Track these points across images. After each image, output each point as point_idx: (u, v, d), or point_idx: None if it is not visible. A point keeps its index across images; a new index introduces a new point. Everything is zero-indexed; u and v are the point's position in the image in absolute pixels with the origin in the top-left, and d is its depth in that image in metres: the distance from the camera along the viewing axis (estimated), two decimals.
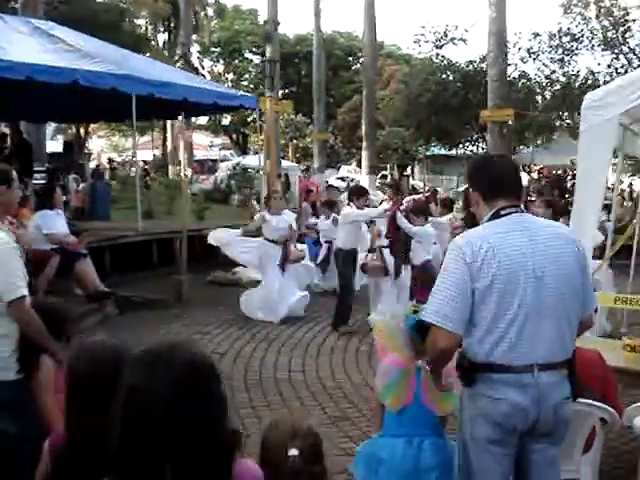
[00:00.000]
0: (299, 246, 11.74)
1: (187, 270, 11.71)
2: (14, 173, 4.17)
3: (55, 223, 9.43)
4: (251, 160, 34.38)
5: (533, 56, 29.19)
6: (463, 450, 3.30)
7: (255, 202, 24.21)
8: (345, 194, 18.65)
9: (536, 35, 28.95)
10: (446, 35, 30.02)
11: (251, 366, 7.88)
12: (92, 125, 36.53)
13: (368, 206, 9.82)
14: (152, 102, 12.17)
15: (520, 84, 28.91)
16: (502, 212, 3.24)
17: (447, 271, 3.15)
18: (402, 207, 9.61)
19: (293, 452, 2.52)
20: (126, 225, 13.96)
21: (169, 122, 34.61)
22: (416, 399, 3.86)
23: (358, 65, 48.46)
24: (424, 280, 9.04)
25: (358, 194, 9.74)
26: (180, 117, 14.67)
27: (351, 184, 41.00)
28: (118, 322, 9.58)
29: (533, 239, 3.16)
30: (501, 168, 3.38)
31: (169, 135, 39.03)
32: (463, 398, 3.32)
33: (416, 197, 10.66)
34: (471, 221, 6.19)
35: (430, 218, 9.80)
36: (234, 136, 48.99)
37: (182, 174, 15.67)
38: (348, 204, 9.87)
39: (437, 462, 3.71)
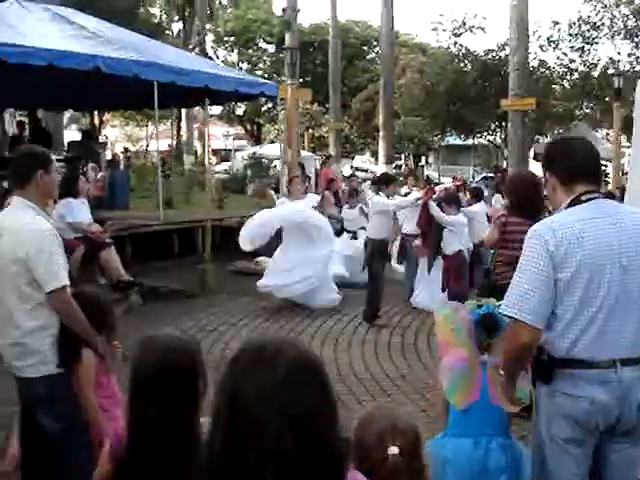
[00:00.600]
0: None
1: (210, 260, 11.54)
2: (52, 155, 3.97)
3: (79, 212, 9.27)
4: (267, 149, 34.23)
5: (553, 45, 28.89)
6: (539, 451, 3.10)
7: (273, 192, 24.08)
8: (365, 184, 18.48)
9: (556, 23, 28.69)
10: (464, 23, 29.74)
11: None
12: (106, 115, 36.46)
13: (396, 194, 9.60)
14: (173, 90, 11.99)
15: (539, 73, 28.56)
16: (583, 198, 3.04)
17: (527, 261, 2.95)
18: (434, 196, 9.36)
19: (393, 450, 2.31)
20: (146, 214, 13.78)
21: (183, 111, 34.39)
22: (483, 396, 3.67)
23: (373, 54, 48.16)
24: (457, 270, 8.86)
25: (386, 182, 9.53)
26: (204, 105, 14.39)
27: (366, 174, 41.12)
28: (143, 312, 9.39)
29: (618, 226, 2.96)
30: (583, 152, 3.16)
31: (183, 124, 38.89)
32: (539, 395, 3.12)
33: (447, 186, 10.42)
34: (518, 206, 5.96)
35: (462, 208, 9.56)
36: (248, 126, 48.78)
37: (206, 162, 15.36)
38: (377, 193, 9.64)
39: (506, 464, 3.53)
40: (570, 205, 3.05)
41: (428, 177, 40.92)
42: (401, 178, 33.70)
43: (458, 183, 11.41)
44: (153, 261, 12.11)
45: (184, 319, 9.15)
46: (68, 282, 3.70)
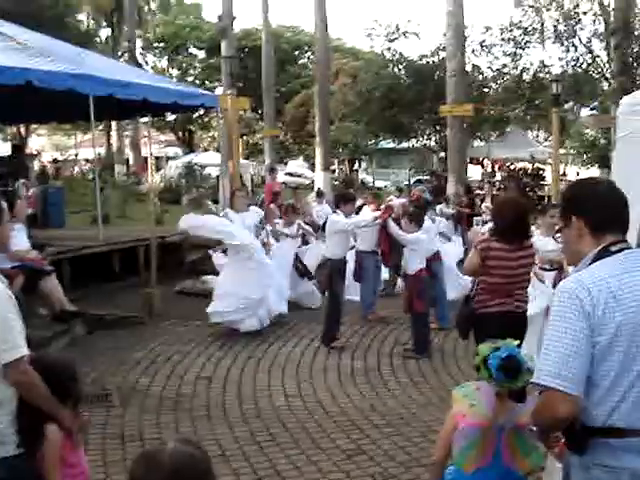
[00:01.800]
0: None
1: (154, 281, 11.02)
2: (3, 204, 3.47)
3: (17, 239, 8.58)
4: (203, 158, 33.64)
5: (486, 49, 29.06)
6: None
7: (210, 202, 23.53)
8: (310, 196, 18.12)
9: (488, 28, 28.82)
10: (398, 29, 29.63)
11: (244, 393, 7.25)
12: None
13: (356, 212, 9.28)
14: (109, 102, 11.46)
15: (473, 77, 28.68)
16: (612, 248, 2.73)
17: (562, 323, 2.61)
18: (393, 214, 9.04)
19: None
20: (84, 233, 13.19)
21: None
22: (496, 459, 3.35)
23: (305, 59, 47.94)
24: (419, 290, 8.56)
25: (345, 201, 9.19)
26: (145, 119, 13.87)
27: (298, 180, 40.83)
28: (89, 344, 8.84)
29: None
30: (615, 197, 2.85)
31: (113, 133, 37.94)
32: (570, 467, 2.79)
33: (402, 201, 10.12)
34: (503, 232, 5.67)
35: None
36: (180, 133, 47.97)
37: (149, 178, 14.80)
38: (334, 211, 9.30)
39: None
40: (598, 256, 2.74)
41: (362, 181, 41.01)
42: (336, 182, 33.73)
43: (413, 197, 11.10)
44: (94, 284, 11.51)
45: (134, 350, 8.63)
46: (27, 352, 3.21)
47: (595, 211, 2.81)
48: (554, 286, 7.68)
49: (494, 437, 3.38)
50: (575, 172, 44.99)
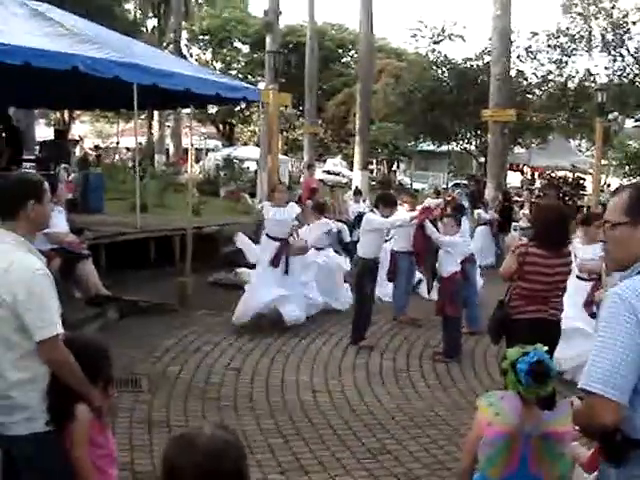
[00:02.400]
0: None
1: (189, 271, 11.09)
2: (46, 184, 3.51)
3: (56, 221, 8.68)
4: (242, 151, 33.77)
5: (531, 55, 28.83)
6: None
7: (248, 196, 23.65)
8: (347, 195, 18.13)
9: (534, 34, 28.60)
10: (444, 31, 29.55)
11: (272, 386, 7.27)
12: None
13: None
14: (153, 91, 11.53)
15: (517, 83, 28.47)
16: None
17: (614, 329, 2.54)
18: (431, 215, 8.98)
19: None
20: (122, 220, 13.28)
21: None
22: (522, 467, 3.31)
23: (348, 58, 47.90)
24: (453, 293, 8.51)
25: (385, 203, 9.15)
26: (187, 110, 13.95)
27: (336, 178, 40.82)
28: (121, 329, 8.92)
29: None
30: None
31: (155, 123, 38.23)
32: (606, 479, 2.73)
33: (437, 202, 10.03)
34: (542, 238, 5.63)
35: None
36: (220, 126, 48.20)
37: (189, 169, 14.90)
38: (372, 210, 9.27)
39: None
40: None
41: (400, 183, 40.89)
42: (373, 182, 33.68)
43: (449, 198, 11.02)
44: (129, 271, 11.59)
45: (165, 337, 8.68)
46: (61, 330, 3.25)
47: None
48: (590, 296, 7.61)
49: (520, 445, 3.34)
50: (617, 184, 44.49)
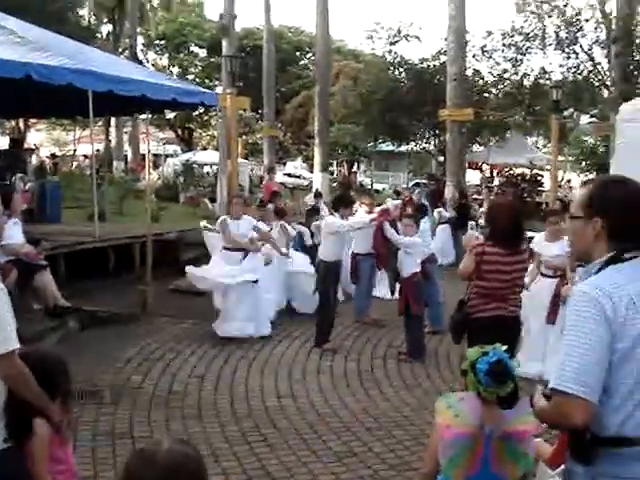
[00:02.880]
0: None
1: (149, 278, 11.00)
2: None
3: (11, 233, 8.54)
4: (201, 156, 33.57)
5: (487, 55, 29.06)
6: None
7: (208, 201, 23.52)
8: (309, 195, 18.11)
9: (489, 34, 28.82)
10: (400, 32, 29.67)
11: (236, 392, 7.23)
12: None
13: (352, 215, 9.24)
14: (109, 98, 11.42)
15: (473, 82, 28.70)
16: (626, 255, 2.65)
17: (582, 328, 2.54)
18: (390, 216, 9.02)
19: None
20: (80, 229, 13.12)
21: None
22: (484, 468, 3.31)
23: (306, 60, 47.92)
24: (415, 293, 8.55)
25: (345, 204, 9.17)
26: (144, 116, 13.83)
27: (297, 180, 40.80)
28: (82, 340, 8.81)
29: None
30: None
31: (112, 129, 37.86)
32: (574, 477, 2.73)
33: (395, 203, 10.10)
34: (497, 236, 5.69)
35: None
36: (179, 131, 47.90)
37: (147, 177, 14.77)
38: (331, 213, 9.28)
39: None
40: (610, 262, 2.66)
41: (361, 184, 41.03)
42: (334, 184, 33.74)
43: (406, 199, 11.08)
44: (89, 280, 11.46)
45: (127, 347, 8.59)
46: (17, 345, 3.19)
47: (618, 216, 2.68)
48: (555, 294, 7.70)
49: (482, 445, 3.33)
50: (576, 179, 45.10)
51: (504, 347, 3.49)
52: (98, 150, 34.99)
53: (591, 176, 35.10)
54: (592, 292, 2.57)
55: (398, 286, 9.10)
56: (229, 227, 9.65)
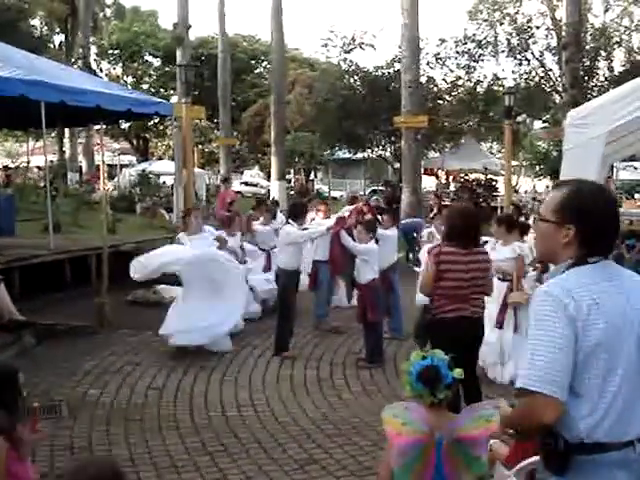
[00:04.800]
0: None
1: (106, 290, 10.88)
2: None
3: None
4: (157, 166, 33.36)
5: (440, 62, 29.39)
6: None
7: (165, 211, 23.39)
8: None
9: (443, 41, 29.17)
10: (354, 40, 29.78)
11: (196, 403, 7.20)
12: None
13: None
14: (61, 109, 11.31)
15: (427, 89, 28.97)
16: (590, 260, 2.68)
17: (547, 327, 2.55)
18: (346, 224, 9.06)
19: None
20: (35, 242, 12.97)
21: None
22: (437, 474, 3.36)
23: (261, 69, 47.95)
24: (372, 300, 8.60)
25: (299, 212, 9.20)
26: (98, 126, 13.71)
27: (254, 189, 40.74)
28: (38, 354, 8.69)
29: (626, 291, 2.66)
30: (612, 212, 2.78)
31: (66, 140, 37.40)
32: None
33: (350, 208, 10.13)
34: (453, 236, 5.80)
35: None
36: (134, 141, 47.52)
37: (101, 185, 14.61)
38: (287, 222, 9.29)
39: None
40: (574, 264, 2.70)
41: (318, 191, 41.12)
42: (292, 192, 33.75)
43: (362, 206, 11.07)
44: (44, 294, 11.33)
45: (84, 360, 8.51)
46: None
47: (592, 226, 2.70)
48: (505, 297, 7.81)
49: (433, 451, 3.37)
50: (529, 183, 45.70)
51: (443, 354, 3.54)
52: (52, 162, 34.57)
53: (545, 180, 35.63)
54: (554, 291, 2.60)
55: (355, 293, 9.17)
56: (187, 245, 9.40)
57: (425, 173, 30.99)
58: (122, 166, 41.61)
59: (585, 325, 2.54)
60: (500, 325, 7.80)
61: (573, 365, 2.54)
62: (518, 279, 7.81)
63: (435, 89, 29.53)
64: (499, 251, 8.09)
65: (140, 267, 9.21)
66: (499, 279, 8.05)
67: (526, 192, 39.45)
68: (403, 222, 16.91)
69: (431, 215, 17.26)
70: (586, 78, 26.14)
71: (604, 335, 2.55)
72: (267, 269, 11.31)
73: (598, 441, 2.55)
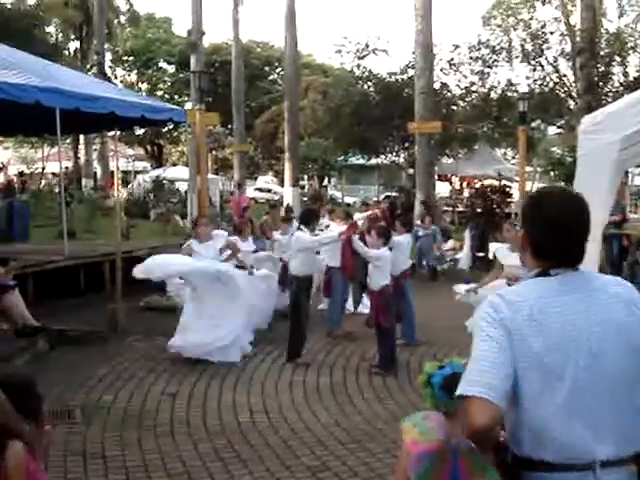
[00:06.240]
0: None
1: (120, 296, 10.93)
2: None
3: None
4: (172, 172, 33.45)
5: (454, 68, 29.33)
6: None
7: (179, 217, 23.46)
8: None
9: (456, 47, 29.11)
10: (367, 46, 29.84)
11: (209, 409, 7.21)
12: None
13: (321, 230, 9.27)
14: (76, 116, 11.39)
15: (441, 95, 28.94)
16: (552, 272, 2.59)
17: (483, 336, 2.50)
18: (357, 230, 9.07)
19: None
20: (49, 248, 13.04)
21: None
22: None
23: (275, 75, 48.06)
24: (385, 306, 8.58)
25: (310, 218, 9.21)
26: (111, 133, 13.79)
27: (268, 195, 40.78)
28: (52, 360, 8.74)
29: (589, 305, 2.53)
30: (568, 220, 2.58)
31: (81, 147, 37.64)
32: None
33: (366, 214, 10.14)
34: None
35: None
36: (148, 147, 47.72)
37: (115, 192, 14.68)
38: (299, 228, 9.29)
39: None
40: (537, 276, 2.62)
41: (332, 197, 41.10)
42: (305, 198, 33.77)
43: (377, 211, 11.11)
44: (58, 299, 11.38)
45: (98, 366, 8.53)
46: None
47: (538, 234, 2.63)
48: None
49: (449, 459, 3.35)
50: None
51: (463, 361, 3.52)
52: (67, 168, 34.78)
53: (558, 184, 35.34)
54: (495, 301, 2.55)
55: (366, 299, 9.15)
56: (197, 252, 9.40)
57: (439, 179, 30.97)
58: (136, 172, 41.76)
59: (521, 339, 2.46)
60: None
61: (512, 373, 2.46)
62: None
63: (449, 95, 29.49)
64: (508, 257, 8.09)
65: (152, 267, 9.26)
66: (508, 284, 8.05)
67: None
68: (416, 228, 16.88)
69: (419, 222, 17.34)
70: (601, 83, 25.99)
71: (543, 353, 2.45)
72: (281, 282, 10.83)
73: (544, 459, 2.47)
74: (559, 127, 31.62)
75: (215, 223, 14.12)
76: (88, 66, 34.30)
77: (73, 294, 12.07)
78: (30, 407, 3.37)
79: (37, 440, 3.36)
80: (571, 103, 27.83)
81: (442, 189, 34.63)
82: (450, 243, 18.41)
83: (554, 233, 2.58)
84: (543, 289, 2.55)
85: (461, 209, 27.36)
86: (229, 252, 9.75)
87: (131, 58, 46.39)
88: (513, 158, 41.54)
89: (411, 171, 28.64)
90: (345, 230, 9.07)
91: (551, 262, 2.59)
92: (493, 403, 2.39)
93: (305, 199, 33.48)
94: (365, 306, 10.56)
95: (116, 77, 44.05)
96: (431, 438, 3.34)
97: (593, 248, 5.39)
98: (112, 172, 35.65)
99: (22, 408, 3.30)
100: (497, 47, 29.21)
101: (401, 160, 32.21)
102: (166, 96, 44.12)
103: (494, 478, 3.40)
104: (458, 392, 2.49)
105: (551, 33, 28.90)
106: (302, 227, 9.19)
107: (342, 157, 39.64)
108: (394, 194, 32.71)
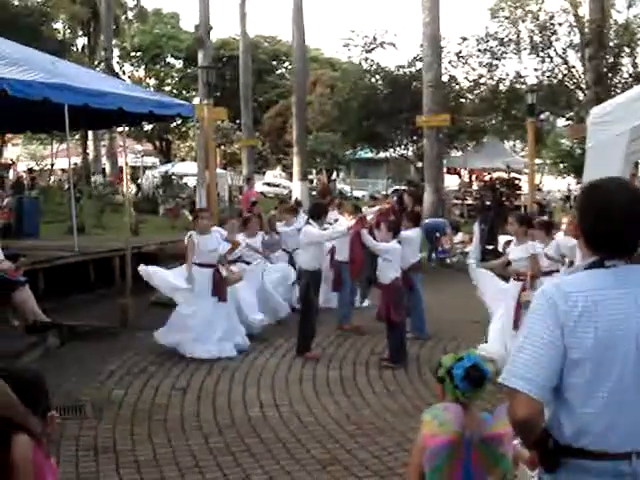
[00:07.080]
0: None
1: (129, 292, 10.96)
2: None
3: None
4: (180, 167, 33.49)
5: (462, 60, 29.24)
6: None
7: (188, 212, 23.47)
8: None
9: (464, 39, 29.02)
10: (375, 39, 29.76)
11: (219, 403, 7.22)
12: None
13: (330, 223, 9.27)
14: (85, 111, 11.40)
15: (449, 88, 28.86)
16: (607, 263, 2.59)
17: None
18: (366, 224, 9.06)
19: None
20: (59, 243, 13.07)
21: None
22: (465, 474, 3.34)
23: (283, 69, 48.02)
24: (395, 299, 8.57)
25: (319, 213, 9.20)
26: (120, 128, 13.80)
27: (276, 189, 40.80)
28: (63, 355, 8.77)
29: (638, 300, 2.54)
30: (623, 213, 2.56)
31: (90, 143, 37.70)
32: None
33: (375, 209, 10.13)
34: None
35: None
36: (157, 143, 47.77)
37: (124, 188, 14.72)
38: (308, 222, 9.28)
39: None
40: (591, 266, 2.64)
41: (340, 191, 41.09)
42: (314, 193, 33.76)
43: (387, 206, 11.09)
44: (68, 295, 11.42)
45: (108, 361, 8.56)
46: None
47: (589, 224, 2.64)
48: (519, 297, 7.77)
49: (462, 450, 3.36)
50: (552, 182, 45.30)
51: (476, 352, 3.54)
52: (76, 164, 34.80)
53: (569, 178, 35.30)
54: (549, 291, 2.57)
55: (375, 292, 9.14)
56: (197, 243, 9.43)
57: (448, 172, 30.91)
58: (145, 168, 41.81)
59: (573, 330, 2.49)
60: (516, 326, 7.72)
61: (560, 367, 2.50)
62: (532, 278, 7.77)
63: (457, 88, 29.42)
64: (513, 251, 8.07)
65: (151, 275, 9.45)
66: (514, 279, 8.05)
67: (559, 191, 39.24)
68: (426, 222, 16.86)
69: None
70: (610, 75, 25.90)
71: (594, 344, 2.48)
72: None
73: (585, 447, 2.52)
74: (568, 119, 31.47)
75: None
76: (96, 62, 34.36)
77: (83, 290, 12.10)
78: (38, 401, 3.37)
79: (44, 434, 3.36)
80: (580, 95, 27.73)
81: (451, 182, 34.59)
82: (459, 236, 18.35)
83: (605, 224, 2.59)
84: (598, 281, 2.56)
85: (470, 202, 27.35)
86: (229, 246, 9.75)
87: (139, 54, 46.42)
88: (522, 150, 41.48)
89: (420, 164, 28.59)
90: (354, 224, 9.06)
91: (604, 252, 2.61)
92: (534, 398, 2.47)
93: (314, 193, 33.49)
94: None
95: (124, 73, 44.07)
96: (448, 430, 3.35)
97: None
98: (121, 168, 35.73)
99: (29, 403, 3.30)
100: (505, 39, 29.13)
101: (410, 153, 32.15)
102: (174, 91, 44.15)
103: (507, 469, 3.43)
104: (500, 380, 2.55)
105: (559, 24, 28.81)
106: (311, 221, 9.19)
107: (350, 151, 39.58)
108: (403, 187, 32.67)
